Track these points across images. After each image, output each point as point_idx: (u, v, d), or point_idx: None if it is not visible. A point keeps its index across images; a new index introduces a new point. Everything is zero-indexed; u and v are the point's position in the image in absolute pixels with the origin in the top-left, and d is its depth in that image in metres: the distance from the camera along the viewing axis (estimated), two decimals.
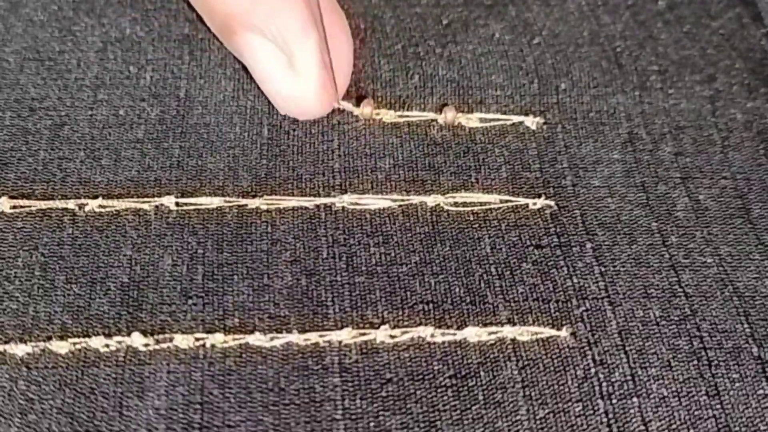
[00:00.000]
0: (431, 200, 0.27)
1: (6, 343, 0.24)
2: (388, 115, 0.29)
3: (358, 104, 0.29)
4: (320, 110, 0.29)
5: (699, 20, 0.34)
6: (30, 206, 0.26)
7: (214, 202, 0.27)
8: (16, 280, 0.25)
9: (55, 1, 0.32)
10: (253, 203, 0.27)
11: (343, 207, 0.27)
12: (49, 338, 0.24)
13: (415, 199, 0.27)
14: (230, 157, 0.28)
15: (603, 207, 0.28)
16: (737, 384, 0.24)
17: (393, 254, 0.26)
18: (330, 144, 0.29)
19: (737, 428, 0.23)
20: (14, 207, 0.26)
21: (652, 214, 0.28)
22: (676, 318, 0.25)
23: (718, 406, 0.24)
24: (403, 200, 0.27)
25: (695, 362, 0.25)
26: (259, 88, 0.29)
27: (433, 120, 0.30)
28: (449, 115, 0.29)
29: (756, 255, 0.27)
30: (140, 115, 0.29)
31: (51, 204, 0.26)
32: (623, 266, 0.26)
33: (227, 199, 0.27)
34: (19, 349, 0.23)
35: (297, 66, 0.27)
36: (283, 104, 0.29)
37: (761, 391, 0.24)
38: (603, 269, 0.26)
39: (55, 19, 0.31)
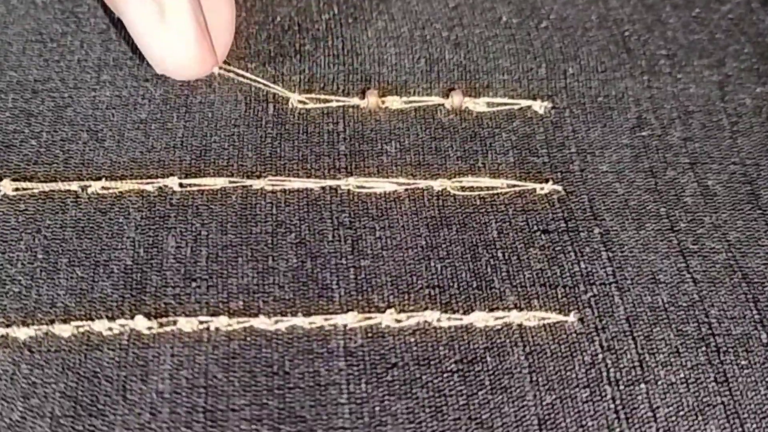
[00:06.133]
0: (437, 184, 0.27)
1: (8, 326, 0.23)
2: (395, 103, 0.29)
3: (363, 96, 0.29)
4: (194, 70, 0.27)
5: (708, 4, 0.33)
6: (33, 188, 0.26)
7: (219, 182, 0.27)
8: (18, 263, 0.25)
9: None
10: (257, 184, 0.27)
11: (349, 190, 0.27)
12: (52, 321, 0.24)
13: (422, 183, 0.27)
14: (234, 135, 0.28)
15: (611, 192, 0.28)
16: (746, 370, 0.24)
17: (399, 238, 0.26)
18: (336, 126, 0.28)
19: (745, 415, 0.23)
20: (17, 189, 0.26)
21: (661, 199, 0.27)
22: (684, 304, 0.25)
23: (727, 393, 0.24)
24: (409, 184, 0.27)
25: (703, 348, 0.24)
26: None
27: (440, 104, 0.29)
28: (456, 100, 0.29)
29: (765, 240, 0.27)
30: (144, 96, 0.29)
31: (54, 186, 0.26)
32: (631, 251, 0.26)
33: (232, 179, 0.27)
34: (22, 333, 0.23)
35: (168, 19, 0.26)
36: (156, 60, 0.27)
37: None
38: (611, 254, 0.26)
39: (58, 0, 0.31)
